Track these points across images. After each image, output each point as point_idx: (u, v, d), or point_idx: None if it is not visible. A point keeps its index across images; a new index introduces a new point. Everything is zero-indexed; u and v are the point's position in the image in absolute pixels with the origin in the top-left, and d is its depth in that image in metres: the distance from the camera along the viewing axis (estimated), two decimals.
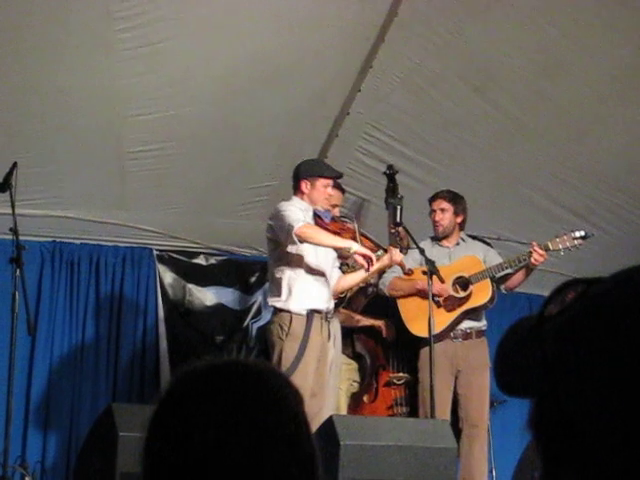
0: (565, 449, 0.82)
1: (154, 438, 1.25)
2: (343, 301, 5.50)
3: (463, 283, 5.34)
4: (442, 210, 5.47)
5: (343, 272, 5.24)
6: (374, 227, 5.70)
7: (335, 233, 4.84)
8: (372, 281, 5.57)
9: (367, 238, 4.88)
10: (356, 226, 4.87)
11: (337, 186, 5.24)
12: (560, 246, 5.22)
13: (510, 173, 6.28)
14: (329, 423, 3.99)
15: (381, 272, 5.25)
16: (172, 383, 1.31)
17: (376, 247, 4.88)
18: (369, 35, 5.39)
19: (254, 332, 6.44)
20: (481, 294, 5.33)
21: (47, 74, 4.97)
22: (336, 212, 5.25)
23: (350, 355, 5.80)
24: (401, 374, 5.75)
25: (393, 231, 5.04)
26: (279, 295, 4.87)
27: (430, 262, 5.05)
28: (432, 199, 5.51)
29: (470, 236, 5.64)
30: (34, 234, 5.67)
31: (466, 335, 5.40)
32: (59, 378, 5.83)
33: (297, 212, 4.79)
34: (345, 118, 5.82)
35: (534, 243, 5.20)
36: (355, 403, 5.81)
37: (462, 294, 5.33)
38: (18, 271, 4.66)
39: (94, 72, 5.00)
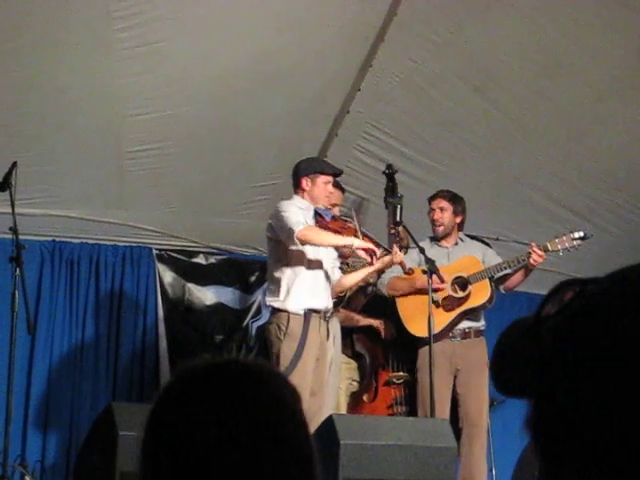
0: (566, 449, 0.82)
1: (152, 437, 1.25)
2: (342, 300, 5.50)
3: (462, 283, 5.34)
4: (441, 209, 5.47)
5: (343, 272, 5.24)
6: (374, 226, 5.70)
7: (336, 232, 4.84)
8: (371, 280, 5.57)
9: (368, 237, 4.88)
10: (357, 225, 4.87)
11: (337, 185, 5.24)
12: (559, 247, 5.23)
13: (510, 173, 6.28)
14: (329, 422, 3.99)
15: (380, 271, 5.25)
16: (170, 382, 1.31)
17: (377, 246, 4.87)
18: (369, 35, 5.39)
19: (254, 331, 6.44)
20: (480, 294, 5.33)
21: (47, 73, 4.97)
22: (336, 211, 5.25)
23: (349, 355, 5.80)
24: (401, 373, 5.75)
25: (393, 231, 5.04)
26: (277, 295, 4.87)
27: (430, 261, 5.05)
28: (432, 198, 5.51)
29: (469, 236, 5.64)
30: (34, 233, 5.67)
31: (464, 334, 5.40)
32: (59, 377, 5.83)
33: (297, 213, 4.79)
34: (345, 117, 5.83)
35: (533, 244, 5.21)
36: (355, 402, 5.81)
37: (461, 294, 5.33)
38: (18, 270, 4.65)
39: (93, 72, 5.00)
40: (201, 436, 1.21)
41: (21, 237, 4.76)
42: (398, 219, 5.00)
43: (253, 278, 6.50)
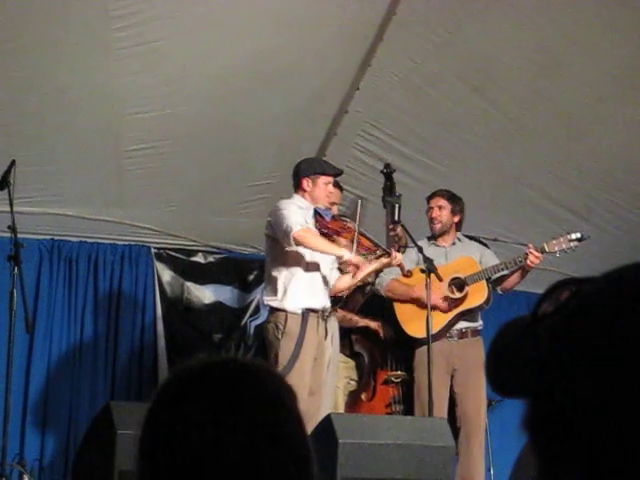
0: (563, 448, 0.81)
1: (149, 436, 1.25)
2: (340, 300, 5.50)
3: (459, 284, 5.35)
4: (440, 207, 5.48)
5: (341, 272, 5.23)
6: (372, 225, 5.69)
7: (335, 232, 4.85)
8: (370, 280, 5.57)
9: (366, 237, 4.87)
10: (356, 225, 4.87)
11: (336, 184, 5.24)
12: (556, 248, 5.24)
13: (509, 173, 6.28)
14: (327, 421, 3.99)
15: (378, 271, 5.24)
16: (167, 381, 1.31)
17: (375, 247, 4.87)
18: (368, 34, 5.39)
19: (252, 330, 6.44)
20: (477, 295, 5.34)
21: (46, 73, 4.97)
22: (335, 210, 5.25)
23: (348, 354, 5.80)
24: (399, 372, 5.75)
25: (392, 233, 5.04)
26: (275, 294, 4.88)
27: (429, 260, 5.05)
28: (430, 197, 5.53)
29: (467, 236, 5.64)
30: (32, 232, 5.67)
31: (462, 334, 5.40)
32: (57, 376, 5.83)
33: (297, 213, 4.79)
34: (344, 116, 5.83)
35: (530, 245, 5.21)
36: (353, 401, 5.81)
37: (458, 295, 5.33)
38: (16, 269, 4.65)
39: (92, 71, 5.00)
40: (198, 435, 1.21)
41: (20, 236, 4.76)
42: (396, 218, 5.00)
43: (251, 277, 6.50)
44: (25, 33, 4.74)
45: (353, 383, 5.87)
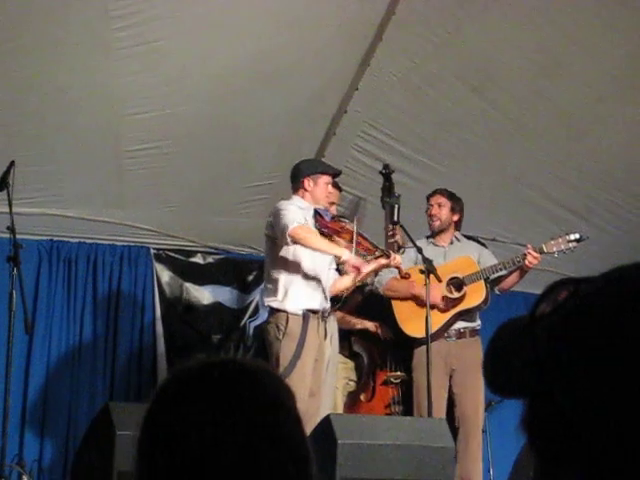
0: (562, 449, 0.81)
1: (148, 437, 1.25)
2: (339, 301, 5.50)
3: (457, 284, 5.35)
4: (439, 205, 5.49)
5: (340, 272, 5.23)
6: (371, 225, 5.70)
7: (335, 232, 4.85)
8: (368, 280, 5.56)
9: (365, 238, 4.87)
10: (355, 226, 4.87)
11: (334, 184, 5.25)
12: (554, 249, 5.24)
13: (509, 173, 6.27)
14: (326, 422, 3.98)
15: (377, 271, 5.24)
16: (166, 382, 1.31)
17: (373, 248, 4.87)
18: (367, 34, 5.39)
19: (251, 331, 6.44)
20: (475, 295, 5.34)
21: (46, 73, 4.97)
22: (333, 210, 5.26)
23: (347, 355, 5.80)
24: (398, 373, 5.75)
25: (390, 233, 5.04)
26: (275, 295, 4.87)
27: (428, 260, 5.05)
28: (430, 195, 5.54)
29: (465, 236, 5.64)
30: (31, 233, 5.67)
31: (460, 334, 5.41)
32: (56, 377, 5.83)
33: (296, 212, 4.80)
34: (343, 116, 5.83)
35: (529, 245, 5.22)
36: (352, 402, 5.81)
37: (456, 295, 5.33)
38: (15, 270, 4.64)
39: (92, 71, 5.00)
40: (197, 436, 1.20)
41: (19, 236, 4.76)
42: (395, 219, 5.00)
43: (251, 277, 6.50)
44: (25, 33, 4.74)
45: (352, 384, 5.86)
